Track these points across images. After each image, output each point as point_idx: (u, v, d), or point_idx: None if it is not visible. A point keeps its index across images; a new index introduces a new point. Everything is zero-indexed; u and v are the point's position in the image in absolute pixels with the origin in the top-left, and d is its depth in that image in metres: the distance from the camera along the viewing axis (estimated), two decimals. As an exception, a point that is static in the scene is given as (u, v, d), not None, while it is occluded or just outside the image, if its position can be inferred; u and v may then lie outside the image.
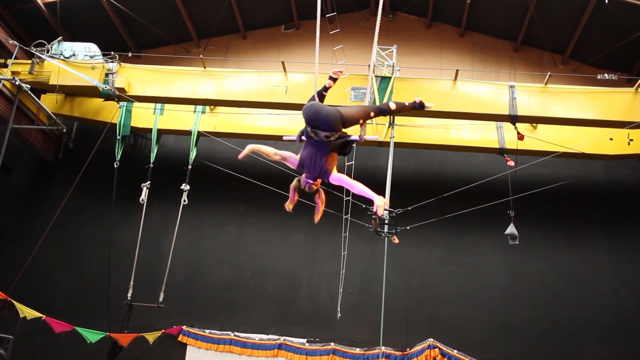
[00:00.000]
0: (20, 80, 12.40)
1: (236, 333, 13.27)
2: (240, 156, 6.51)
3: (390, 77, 12.27)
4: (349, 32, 14.17)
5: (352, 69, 12.22)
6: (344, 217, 11.98)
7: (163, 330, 12.80)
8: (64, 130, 14.38)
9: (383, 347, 12.32)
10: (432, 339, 12.55)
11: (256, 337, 13.24)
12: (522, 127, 12.57)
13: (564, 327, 13.16)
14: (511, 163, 12.36)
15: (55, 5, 14.16)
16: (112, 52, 12.99)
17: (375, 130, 12.88)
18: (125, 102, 13.27)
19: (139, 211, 13.00)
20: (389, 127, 13.05)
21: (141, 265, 12.95)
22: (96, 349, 12.16)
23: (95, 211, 14.57)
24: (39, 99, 13.58)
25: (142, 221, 12.92)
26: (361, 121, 6.13)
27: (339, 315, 11.99)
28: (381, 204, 5.80)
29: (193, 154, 13.34)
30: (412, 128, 13.38)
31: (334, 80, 6.50)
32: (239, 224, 14.60)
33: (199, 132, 13.53)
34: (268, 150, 6.39)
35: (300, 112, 6.09)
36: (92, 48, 13.15)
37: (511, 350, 13.04)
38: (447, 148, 13.79)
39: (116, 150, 13.29)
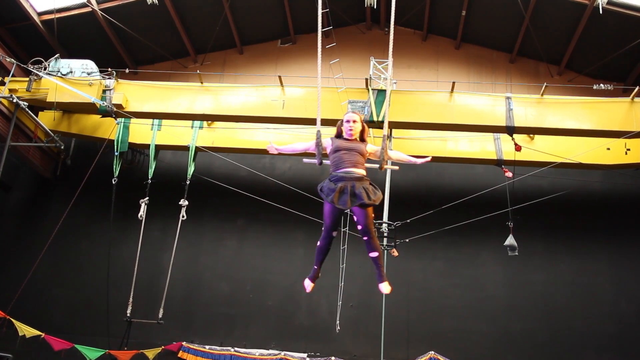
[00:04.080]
0: (18, 97, 12.45)
1: (236, 348, 13.21)
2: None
3: (386, 90, 12.29)
4: (345, 45, 14.25)
5: (348, 82, 12.28)
6: (342, 229, 11.95)
7: (163, 347, 12.72)
8: (62, 147, 14.39)
9: (384, 361, 12.29)
10: (433, 352, 12.53)
11: (256, 352, 13.18)
12: (519, 138, 12.61)
13: (564, 337, 13.11)
14: (509, 174, 12.36)
15: (52, 22, 14.23)
16: (109, 69, 13.01)
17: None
18: (123, 119, 13.28)
19: (137, 227, 12.96)
20: (386, 139, 13.07)
21: (140, 282, 12.91)
22: (96, 366, 12.11)
23: (94, 228, 14.55)
24: (37, 116, 13.59)
25: (140, 237, 12.87)
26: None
27: (338, 328, 11.95)
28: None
29: (191, 169, 13.33)
30: (409, 140, 13.41)
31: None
32: (238, 239, 14.58)
33: (196, 147, 13.52)
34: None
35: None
36: (89, 65, 13.18)
37: (512, 361, 13.02)
38: (445, 160, 13.78)
39: (114, 166, 13.27)
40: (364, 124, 6.29)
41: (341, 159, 6.00)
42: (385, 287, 6.08)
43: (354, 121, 6.18)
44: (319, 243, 6.20)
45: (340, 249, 12.05)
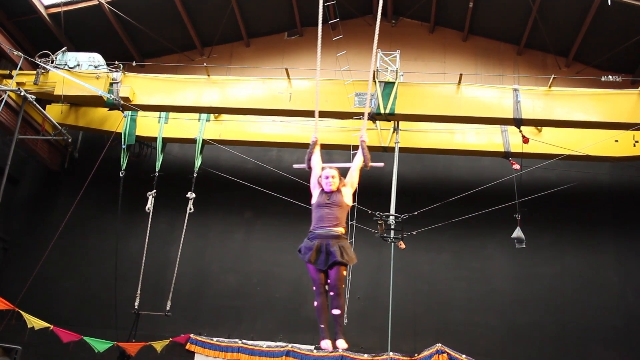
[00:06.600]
0: (25, 91, 12.48)
1: (244, 341, 13.24)
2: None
3: (394, 83, 12.26)
4: (351, 38, 14.19)
5: (355, 75, 12.24)
6: (350, 222, 11.93)
7: (171, 339, 12.77)
8: (70, 140, 14.43)
9: (391, 353, 12.27)
10: (440, 344, 12.47)
11: (264, 345, 13.21)
12: (527, 130, 12.56)
13: (572, 330, 13.10)
14: (516, 166, 12.32)
15: (59, 15, 14.24)
16: (116, 62, 13.02)
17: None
18: (130, 111, 13.29)
19: (145, 220, 13.00)
20: (393, 132, 13.07)
21: (148, 274, 12.94)
22: (104, 358, 12.14)
23: (102, 220, 14.61)
24: (44, 110, 13.64)
25: (148, 230, 12.91)
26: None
27: (345, 321, 11.92)
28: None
29: (198, 162, 13.35)
30: (417, 133, 13.38)
31: None
32: (245, 232, 14.60)
33: (203, 140, 13.53)
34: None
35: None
36: (96, 58, 13.20)
37: (519, 354, 12.99)
38: (452, 152, 13.77)
39: (121, 159, 13.30)
40: (340, 176, 6.47)
41: (321, 217, 6.36)
42: (341, 343, 6.11)
43: (333, 177, 6.40)
44: (315, 303, 6.28)
45: (349, 242, 11.99)
